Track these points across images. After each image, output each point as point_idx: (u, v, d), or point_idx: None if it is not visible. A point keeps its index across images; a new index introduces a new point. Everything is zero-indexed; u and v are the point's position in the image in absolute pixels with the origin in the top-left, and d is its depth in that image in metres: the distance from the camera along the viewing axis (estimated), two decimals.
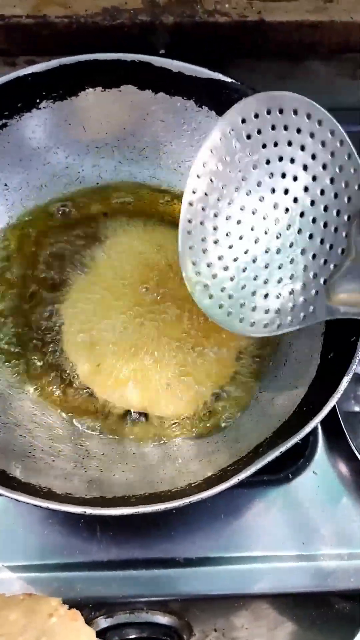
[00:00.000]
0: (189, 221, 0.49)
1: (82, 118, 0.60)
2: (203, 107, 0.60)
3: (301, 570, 0.53)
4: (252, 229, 0.49)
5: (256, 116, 0.47)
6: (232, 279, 0.49)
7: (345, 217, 0.46)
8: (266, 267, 0.49)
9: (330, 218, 0.46)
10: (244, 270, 0.49)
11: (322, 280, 0.47)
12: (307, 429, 0.45)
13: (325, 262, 0.47)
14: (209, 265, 0.49)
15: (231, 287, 0.49)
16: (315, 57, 0.66)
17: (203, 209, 0.49)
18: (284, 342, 0.56)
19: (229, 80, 0.57)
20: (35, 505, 0.43)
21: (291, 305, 0.48)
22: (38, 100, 0.58)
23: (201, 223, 0.49)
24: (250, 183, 0.48)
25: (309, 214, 0.47)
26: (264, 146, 0.48)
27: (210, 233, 0.49)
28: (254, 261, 0.49)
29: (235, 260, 0.49)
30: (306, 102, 0.46)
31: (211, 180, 0.49)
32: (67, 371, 0.55)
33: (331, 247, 0.46)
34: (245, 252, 0.49)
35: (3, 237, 0.59)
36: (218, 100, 0.58)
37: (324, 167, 0.46)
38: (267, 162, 0.48)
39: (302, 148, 0.46)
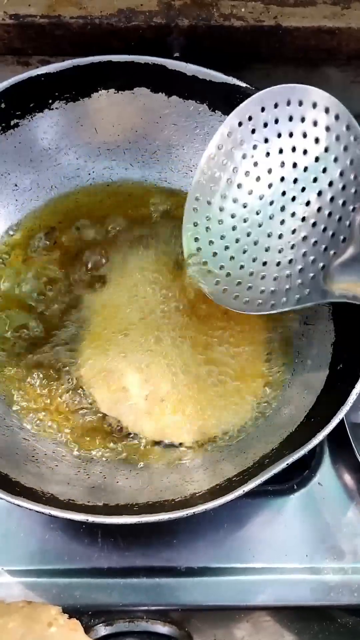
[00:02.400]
0: (196, 199, 0.51)
1: (94, 119, 0.60)
2: (216, 111, 0.59)
3: (304, 583, 0.52)
4: (257, 213, 0.50)
5: (275, 106, 0.48)
6: (231, 259, 0.51)
7: (351, 208, 0.47)
8: (267, 250, 0.50)
9: (335, 208, 0.48)
10: (244, 252, 0.51)
11: (320, 266, 0.48)
12: (315, 441, 0.44)
13: (326, 248, 0.48)
14: (210, 243, 0.51)
15: (230, 266, 0.51)
16: (332, 64, 0.66)
17: (210, 188, 0.50)
18: (292, 351, 0.55)
19: (243, 85, 0.57)
20: (38, 512, 0.42)
21: (287, 287, 0.49)
22: (50, 101, 0.58)
23: (208, 202, 0.51)
24: (261, 169, 0.50)
25: (315, 203, 0.48)
26: (278, 135, 0.49)
27: (214, 213, 0.51)
28: (255, 243, 0.50)
29: (237, 241, 0.51)
30: (326, 97, 0.47)
31: (223, 161, 0.50)
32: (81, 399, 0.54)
33: (333, 235, 0.48)
34: (248, 235, 0.50)
35: (10, 235, 0.59)
36: (232, 104, 0.57)
37: (335, 159, 0.47)
38: (280, 151, 0.49)
39: (317, 140, 0.48)
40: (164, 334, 0.55)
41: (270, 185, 0.49)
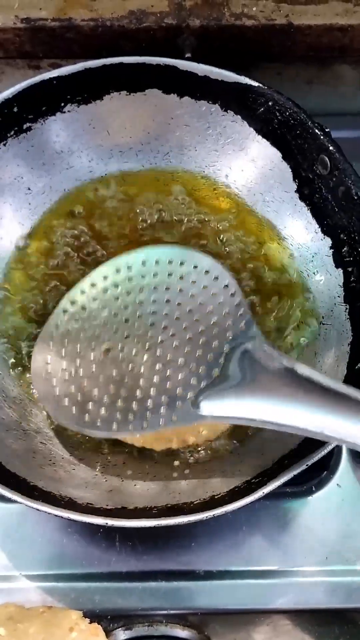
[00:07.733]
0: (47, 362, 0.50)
1: (107, 122, 0.60)
2: (229, 111, 0.59)
3: (324, 586, 0.52)
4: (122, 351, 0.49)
5: (157, 262, 0.50)
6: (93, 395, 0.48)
7: (226, 348, 0.46)
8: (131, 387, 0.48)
9: (206, 349, 0.47)
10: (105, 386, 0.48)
11: (188, 396, 0.46)
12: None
13: (198, 380, 0.46)
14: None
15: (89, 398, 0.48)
16: (344, 61, 0.65)
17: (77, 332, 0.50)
18: (309, 351, 0.54)
19: (255, 84, 0.56)
20: (56, 515, 0.42)
21: (148, 415, 0.46)
22: (62, 104, 0.58)
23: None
24: (130, 313, 0.50)
25: (183, 345, 0.48)
26: (154, 289, 0.50)
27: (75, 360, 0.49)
28: (119, 380, 0.48)
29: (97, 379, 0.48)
30: (210, 262, 0.49)
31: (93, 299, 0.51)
32: None
33: (204, 369, 0.46)
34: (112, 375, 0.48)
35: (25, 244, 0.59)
36: (244, 104, 0.58)
37: (211, 312, 0.48)
38: (154, 301, 0.49)
39: (192, 296, 0.49)
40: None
41: (139, 328, 0.49)
